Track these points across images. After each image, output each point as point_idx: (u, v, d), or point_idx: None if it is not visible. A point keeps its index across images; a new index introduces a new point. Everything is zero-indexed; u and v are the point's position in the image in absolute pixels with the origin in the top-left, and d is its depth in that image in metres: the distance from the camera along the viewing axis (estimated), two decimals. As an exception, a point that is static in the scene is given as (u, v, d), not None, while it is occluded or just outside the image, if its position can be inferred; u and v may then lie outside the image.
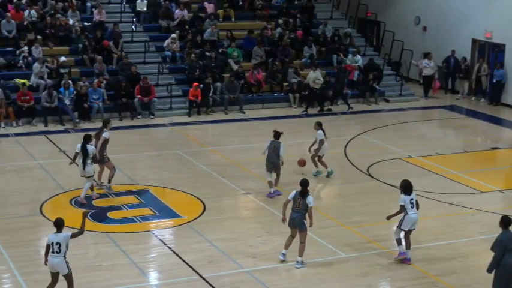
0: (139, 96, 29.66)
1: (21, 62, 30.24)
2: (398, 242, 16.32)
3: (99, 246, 16.78)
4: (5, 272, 15.45)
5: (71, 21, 32.50)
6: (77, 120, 28.37)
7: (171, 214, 19.04)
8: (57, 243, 13.44)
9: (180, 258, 16.22)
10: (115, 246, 16.76)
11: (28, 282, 14.83)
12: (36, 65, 29.52)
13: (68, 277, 13.67)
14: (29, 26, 31.61)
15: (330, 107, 31.88)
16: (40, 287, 14.47)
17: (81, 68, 31.00)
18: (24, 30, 31.40)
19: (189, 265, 15.85)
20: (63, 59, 30.45)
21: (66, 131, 27.49)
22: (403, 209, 16.00)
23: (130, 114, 29.71)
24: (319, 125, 21.94)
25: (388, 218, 16.45)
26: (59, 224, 13.68)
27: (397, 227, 16.21)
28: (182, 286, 15.06)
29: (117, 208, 19.31)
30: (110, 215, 18.85)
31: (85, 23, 33.02)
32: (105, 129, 20.41)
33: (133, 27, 34.04)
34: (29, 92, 28.40)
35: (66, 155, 23.91)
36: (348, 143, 26.27)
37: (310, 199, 15.82)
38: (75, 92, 28.86)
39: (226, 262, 16.08)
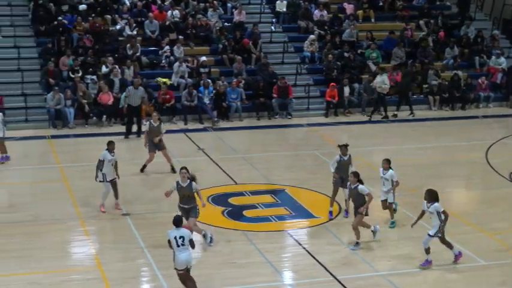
0: (276, 96, 29.82)
1: (163, 61, 31.03)
2: (450, 245, 15.84)
3: (234, 244, 16.89)
4: (144, 265, 15.82)
5: (211, 22, 33.07)
6: (215, 119, 28.79)
7: (307, 214, 18.98)
8: (180, 236, 13.57)
9: (315, 258, 16.11)
10: (250, 245, 16.85)
11: (165, 277, 15.10)
12: (176, 65, 30.20)
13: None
14: (171, 26, 32.36)
15: (395, 112, 30.43)
16: (176, 283, 14.72)
17: (221, 68, 31.46)
18: (166, 30, 32.18)
19: (323, 266, 15.73)
20: (203, 58, 31.01)
21: (205, 130, 27.97)
22: (446, 214, 15.49)
23: (267, 114, 29.92)
24: (388, 163, 18.04)
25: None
26: (179, 221, 13.81)
27: (434, 235, 15.54)
28: (316, 287, 14.95)
29: (253, 207, 19.42)
30: (246, 213, 18.97)
31: (225, 24, 33.49)
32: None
33: (272, 27, 34.26)
34: (170, 91, 29.07)
35: (205, 153, 24.37)
36: (489, 148, 25.41)
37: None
38: (214, 92, 29.32)
39: (361, 265, 15.86)
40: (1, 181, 21.58)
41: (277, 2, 35.13)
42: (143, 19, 32.52)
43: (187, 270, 13.82)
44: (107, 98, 28.17)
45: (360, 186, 16.49)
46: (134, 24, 32.24)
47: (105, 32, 31.57)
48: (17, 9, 32.69)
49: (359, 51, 33.21)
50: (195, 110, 29.01)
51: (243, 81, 30.42)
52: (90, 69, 29.59)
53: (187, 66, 30.47)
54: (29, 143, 25.74)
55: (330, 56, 31.83)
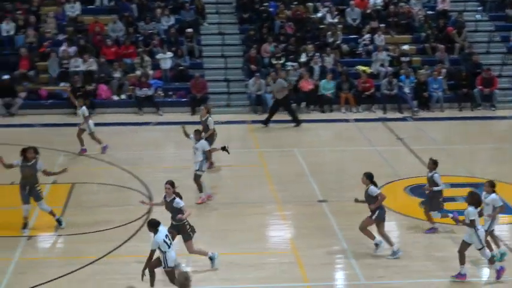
0: (480, 87, 28.80)
1: (360, 49, 30.84)
2: (492, 260, 14.32)
3: (432, 236, 16.45)
4: (339, 252, 15.74)
5: (414, 10, 32.49)
6: (415, 108, 28.25)
7: (510, 210, 18.13)
8: (166, 235, 13.19)
9: (517, 256, 15.39)
10: (448, 238, 16.35)
11: (360, 266, 14.97)
12: (377, 53, 29.90)
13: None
14: (373, 14, 32.07)
15: None
16: (370, 272, 14.55)
17: (423, 57, 30.82)
18: (368, 18, 31.93)
19: (526, 264, 14.98)
20: (405, 47, 30.49)
21: (404, 119, 27.52)
22: (474, 224, 14.03)
23: (470, 105, 28.96)
24: (492, 186, 15.25)
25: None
26: (157, 224, 13.27)
27: (481, 248, 14.14)
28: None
29: (451, 199, 18.79)
30: (444, 205, 18.37)
31: (428, 12, 32.75)
32: None
33: (478, 16, 33.11)
34: (369, 79, 28.83)
35: (404, 143, 23.98)
36: None
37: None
38: (415, 81, 28.77)
39: None
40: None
41: (491, -11, 33.95)
42: (345, 7, 32.45)
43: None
44: (307, 85, 28.36)
45: (371, 188, 15.27)
46: (335, 12, 32.23)
47: (306, 19, 31.81)
48: (223, -3, 33.68)
49: None
50: (394, 99, 28.58)
51: (444, 71, 29.59)
52: (291, 56, 29.90)
53: (387, 55, 30.09)
54: (230, 127, 26.39)
55: (540, 45, 30.42)
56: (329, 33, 30.99)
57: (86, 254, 15.43)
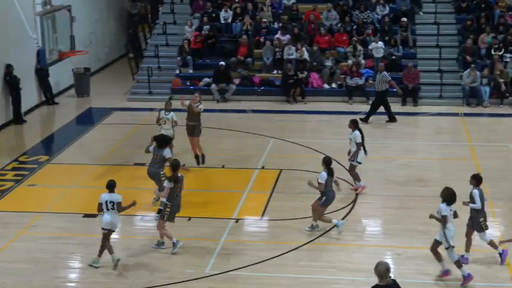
0: None
1: None
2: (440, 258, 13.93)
3: None
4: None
5: None
6: None
7: None
8: (110, 201, 14.30)
9: None
10: None
11: None
12: None
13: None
14: None
15: None
16: None
17: None
18: None
19: None
20: None
21: None
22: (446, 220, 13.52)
23: None
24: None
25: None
26: (111, 186, 14.41)
27: (447, 248, 13.68)
28: None
29: None
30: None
31: None
32: None
33: None
34: None
35: None
36: None
37: None
38: None
39: None
40: (412, 155, 21.82)
41: None
42: None
43: (111, 231, 14.51)
44: (525, 78, 27.10)
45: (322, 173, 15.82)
46: (562, 1, 30.55)
47: (529, 9, 30.40)
48: (439, -14, 32.78)
49: None
50: None
51: None
52: (510, 47, 28.62)
53: None
54: (441, 119, 25.76)
55: None
56: (553, 23, 29.42)
57: (289, 239, 15.61)
